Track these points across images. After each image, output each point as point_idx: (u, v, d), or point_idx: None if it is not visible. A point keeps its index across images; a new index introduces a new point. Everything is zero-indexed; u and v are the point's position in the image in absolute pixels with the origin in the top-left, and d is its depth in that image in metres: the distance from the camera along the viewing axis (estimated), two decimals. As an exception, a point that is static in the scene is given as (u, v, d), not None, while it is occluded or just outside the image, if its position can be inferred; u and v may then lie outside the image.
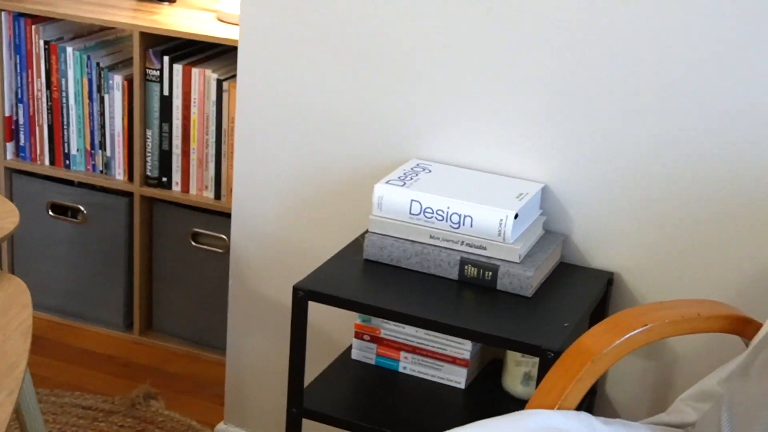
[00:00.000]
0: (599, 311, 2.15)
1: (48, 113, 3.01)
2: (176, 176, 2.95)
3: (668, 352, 2.18)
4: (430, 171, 2.18)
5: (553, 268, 2.14)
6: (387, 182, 2.11)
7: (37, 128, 3.04)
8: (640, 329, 1.72)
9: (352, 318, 2.24)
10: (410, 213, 2.08)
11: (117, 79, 2.92)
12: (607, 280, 2.15)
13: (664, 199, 2.09)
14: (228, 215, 2.79)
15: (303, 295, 2.00)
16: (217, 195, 2.92)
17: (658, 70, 2.03)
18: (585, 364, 1.67)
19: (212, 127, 2.86)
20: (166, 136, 2.92)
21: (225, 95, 2.82)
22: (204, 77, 2.83)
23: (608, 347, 1.69)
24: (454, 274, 2.06)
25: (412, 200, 2.07)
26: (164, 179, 2.96)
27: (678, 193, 2.08)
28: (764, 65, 1.96)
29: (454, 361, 2.16)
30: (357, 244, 2.17)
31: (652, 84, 2.04)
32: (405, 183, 2.11)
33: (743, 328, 1.82)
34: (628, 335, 1.71)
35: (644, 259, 2.14)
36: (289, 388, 2.06)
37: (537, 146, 2.16)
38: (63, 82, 2.96)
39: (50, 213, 3.10)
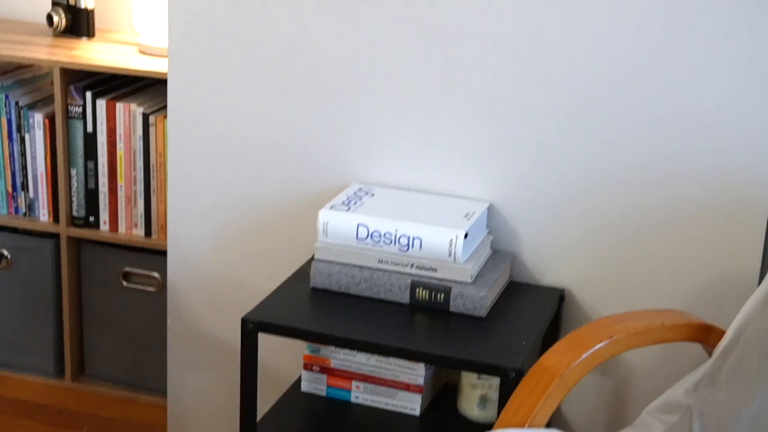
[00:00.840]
0: (552, 328, 2.12)
1: (-34, 156, 2.90)
2: (104, 215, 2.86)
3: (622, 366, 2.15)
4: (373, 194, 2.14)
5: (503, 288, 2.10)
6: (331, 207, 2.06)
7: (-45, 172, 2.93)
8: (606, 342, 1.69)
9: (300, 349, 2.18)
10: (357, 238, 2.03)
11: (38, 118, 2.83)
12: (559, 297, 2.12)
13: (610, 212, 2.08)
14: (160, 252, 2.71)
15: (252, 327, 1.93)
16: (148, 232, 2.83)
17: (598, 86, 2.02)
18: (552, 381, 1.63)
19: (140, 163, 2.78)
20: (91, 174, 2.83)
21: (152, 129, 2.75)
22: (129, 112, 2.75)
23: (575, 362, 1.65)
24: (405, 298, 2.01)
25: (358, 224, 2.02)
26: (91, 219, 2.87)
27: (623, 206, 2.07)
28: (700, 77, 1.96)
29: (407, 387, 2.11)
30: (303, 272, 2.11)
31: (593, 99, 2.03)
32: (350, 207, 2.06)
33: (706, 335, 1.81)
34: (594, 349, 1.68)
35: (594, 274, 2.12)
36: (242, 426, 1.99)
37: (480, 165, 2.13)
38: (-20, 123, 2.87)
39: (-28, 259, 2.99)
